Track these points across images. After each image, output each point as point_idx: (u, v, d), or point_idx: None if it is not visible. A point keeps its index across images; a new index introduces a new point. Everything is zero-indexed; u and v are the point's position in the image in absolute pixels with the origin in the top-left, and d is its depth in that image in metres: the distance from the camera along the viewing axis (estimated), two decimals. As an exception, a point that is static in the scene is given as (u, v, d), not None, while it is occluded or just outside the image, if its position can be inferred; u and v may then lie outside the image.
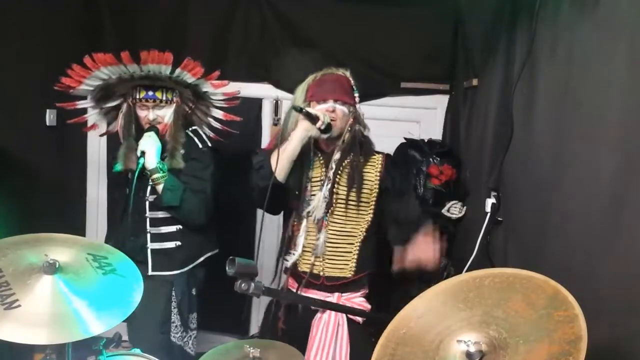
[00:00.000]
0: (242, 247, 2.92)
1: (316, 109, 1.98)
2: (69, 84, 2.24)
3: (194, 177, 2.25)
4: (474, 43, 2.68)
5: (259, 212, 2.50)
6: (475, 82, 2.58)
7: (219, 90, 2.37)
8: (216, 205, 2.31)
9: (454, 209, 2.60)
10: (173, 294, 2.28)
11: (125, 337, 2.08)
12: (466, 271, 2.23)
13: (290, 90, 2.28)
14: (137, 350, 1.83)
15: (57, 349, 1.68)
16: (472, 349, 1.12)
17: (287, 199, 2.06)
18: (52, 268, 1.45)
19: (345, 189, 2.02)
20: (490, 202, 2.19)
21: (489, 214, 2.19)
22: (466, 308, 1.23)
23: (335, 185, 2.03)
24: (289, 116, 2.08)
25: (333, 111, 2.00)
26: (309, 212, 2.02)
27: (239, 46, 3.03)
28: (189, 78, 2.25)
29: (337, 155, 2.04)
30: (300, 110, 1.93)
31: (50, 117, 2.89)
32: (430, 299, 1.33)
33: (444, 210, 2.60)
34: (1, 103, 2.55)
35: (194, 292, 2.37)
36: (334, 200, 2.02)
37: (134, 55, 2.15)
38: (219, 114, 2.50)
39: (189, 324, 2.37)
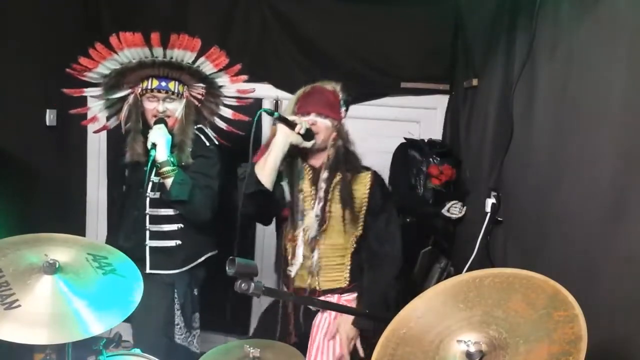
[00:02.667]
0: (241, 249, 2.93)
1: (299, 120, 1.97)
2: (87, 64, 2.16)
3: (200, 174, 2.20)
4: (474, 43, 2.68)
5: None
6: (475, 82, 2.58)
7: (234, 85, 2.32)
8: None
9: (454, 209, 2.60)
10: (175, 295, 2.25)
11: (125, 337, 2.08)
12: (466, 271, 2.22)
13: (290, 90, 2.27)
14: (137, 350, 1.82)
15: (57, 349, 1.68)
16: (472, 349, 1.12)
17: (278, 208, 2.05)
18: (52, 268, 1.45)
19: (337, 206, 2.01)
20: (490, 202, 2.19)
21: (489, 214, 2.18)
22: (466, 308, 1.23)
23: (328, 204, 2.01)
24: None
25: (314, 124, 1.99)
26: (303, 229, 2.01)
27: (239, 46, 3.03)
28: (210, 69, 2.22)
29: (325, 174, 2.02)
30: (271, 113, 1.94)
31: (50, 117, 2.89)
32: (430, 299, 1.33)
33: (444, 210, 2.60)
34: (1, 103, 2.55)
35: (195, 292, 2.34)
36: (327, 218, 2.01)
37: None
38: (227, 112, 2.44)
39: (192, 323, 2.34)
